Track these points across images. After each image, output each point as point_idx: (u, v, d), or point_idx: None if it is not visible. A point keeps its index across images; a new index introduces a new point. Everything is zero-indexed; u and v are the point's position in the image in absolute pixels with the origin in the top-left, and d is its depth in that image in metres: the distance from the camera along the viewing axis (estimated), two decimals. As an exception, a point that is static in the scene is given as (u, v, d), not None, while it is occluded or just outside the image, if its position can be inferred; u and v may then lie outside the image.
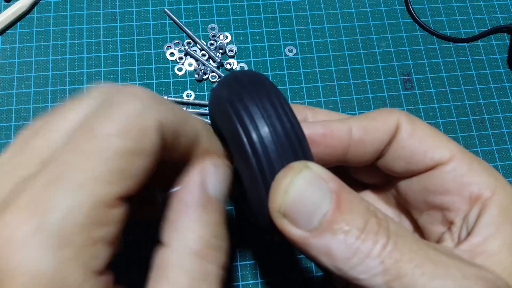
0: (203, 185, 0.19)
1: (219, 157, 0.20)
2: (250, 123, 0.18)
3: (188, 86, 0.40)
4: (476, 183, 0.20)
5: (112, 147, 0.15)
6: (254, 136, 0.18)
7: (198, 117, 0.19)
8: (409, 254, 0.16)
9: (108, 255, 0.15)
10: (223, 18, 0.43)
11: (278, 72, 0.42)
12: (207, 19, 0.43)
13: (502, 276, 0.17)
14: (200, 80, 0.41)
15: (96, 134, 0.15)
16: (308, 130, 0.20)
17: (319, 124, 0.21)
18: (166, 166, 0.21)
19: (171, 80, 0.40)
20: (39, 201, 0.14)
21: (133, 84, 0.18)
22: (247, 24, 0.43)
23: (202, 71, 0.40)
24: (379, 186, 0.25)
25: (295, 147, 0.18)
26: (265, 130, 0.18)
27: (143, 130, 0.15)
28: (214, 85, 0.21)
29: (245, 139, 0.18)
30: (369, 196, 0.26)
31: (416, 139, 0.21)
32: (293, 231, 0.17)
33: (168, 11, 0.43)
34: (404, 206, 0.24)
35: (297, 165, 0.17)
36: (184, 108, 0.39)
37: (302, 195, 0.17)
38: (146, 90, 0.17)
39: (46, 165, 0.15)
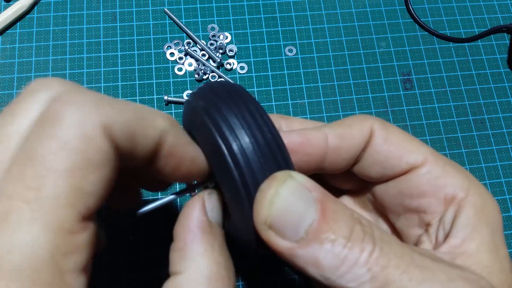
0: (203, 212, 0.19)
1: (191, 155, 0.19)
2: (230, 134, 0.17)
3: (188, 86, 0.40)
4: (450, 185, 0.20)
5: (55, 167, 0.13)
6: (235, 147, 0.17)
7: (162, 112, 0.18)
8: (395, 260, 0.16)
9: (83, 284, 0.14)
10: (223, 18, 0.43)
11: (278, 72, 0.42)
12: (207, 19, 0.43)
13: (482, 275, 0.17)
14: (200, 80, 0.41)
15: (35, 156, 0.14)
16: (286, 139, 0.20)
17: (295, 133, 0.21)
18: (142, 169, 0.21)
19: (171, 80, 0.40)
20: None
21: (76, 88, 0.16)
22: (247, 24, 0.43)
23: (202, 71, 0.40)
24: (355, 192, 0.25)
25: (277, 157, 0.18)
26: (245, 140, 0.17)
27: (86, 140, 0.14)
28: (187, 96, 0.20)
29: (225, 151, 0.17)
30: (346, 201, 0.26)
31: (390, 144, 0.21)
32: (280, 243, 0.16)
33: (168, 11, 0.43)
34: (381, 210, 0.24)
35: (281, 175, 0.17)
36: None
37: (287, 206, 0.16)
38: (87, 94, 0.15)
39: None
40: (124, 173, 0.17)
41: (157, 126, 0.17)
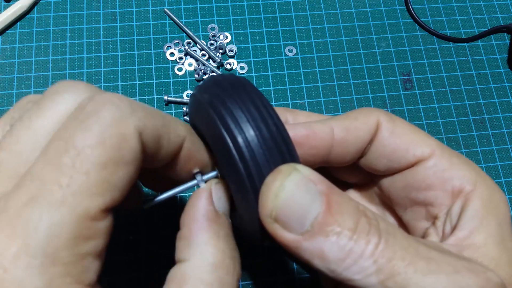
0: (210, 201, 0.19)
1: (204, 160, 0.21)
2: (235, 127, 0.17)
3: (188, 86, 0.40)
4: (458, 177, 0.20)
5: (90, 159, 0.14)
6: (240, 140, 0.17)
7: (182, 120, 0.19)
8: (400, 251, 0.16)
9: (97, 268, 0.15)
10: (223, 18, 0.43)
11: (278, 72, 0.42)
12: (207, 19, 0.43)
13: (489, 267, 0.17)
14: (200, 80, 0.41)
15: (73, 147, 0.15)
16: (292, 132, 0.20)
17: (301, 125, 0.21)
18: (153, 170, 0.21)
19: (171, 80, 0.40)
20: (20, 222, 0.14)
21: (107, 91, 0.17)
22: (247, 24, 0.43)
23: (202, 71, 0.40)
24: (362, 185, 0.25)
25: (282, 149, 0.18)
26: (251, 133, 0.17)
27: (121, 138, 0.15)
28: (188, 96, 0.20)
29: (231, 144, 0.17)
30: (352, 195, 0.26)
31: (396, 137, 0.21)
32: (285, 235, 0.17)
33: (168, 11, 0.43)
34: (388, 204, 0.24)
35: (285, 168, 0.17)
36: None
37: (292, 199, 0.16)
38: (122, 97, 0.17)
39: (22, 182, 0.14)
40: (142, 174, 0.17)
41: (179, 133, 0.19)
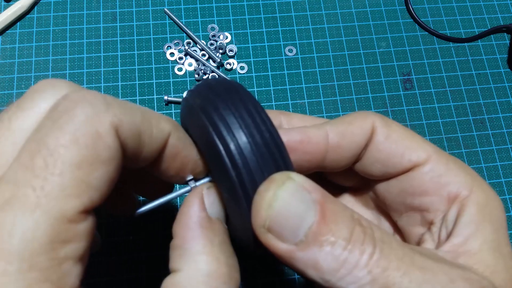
0: (202, 208, 0.18)
1: (192, 158, 0.20)
2: (227, 134, 0.17)
3: (188, 86, 0.40)
4: (454, 183, 0.20)
5: (64, 159, 0.14)
6: (233, 147, 0.17)
7: (167, 117, 0.19)
8: (396, 261, 0.16)
9: (78, 273, 0.15)
10: (223, 18, 0.43)
11: (278, 72, 0.42)
12: (207, 19, 0.43)
13: (485, 274, 0.17)
14: (200, 80, 0.41)
15: (46, 147, 0.14)
16: (285, 137, 0.19)
17: (295, 130, 0.21)
18: (144, 174, 0.20)
19: (171, 80, 0.40)
20: None
21: (85, 88, 0.17)
22: (247, 24, 0.43)
23: (202, 71, 0.40)
24: (357, 189, 0.25)
25: (275, 156, 0.17)
26: (243, 140, 0.17)
27: (96, 136, 0.15)
28: (185, 94, 0.20)
29: (223, 151, 0.17)
30: (347, 199, 0.25)
31: (392, 142, 0.21)
32: (279, 246, 0.16)
33: (168, 11, 0.43)
34: (383, 208, 0.24)
35: (279, 176, 0.17)
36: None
37: (286, 209, 0.16)
38: (97, 93, 0.16)
39: None
40: (128, 178, 0.17)
41: (162, 128, 0.18)
